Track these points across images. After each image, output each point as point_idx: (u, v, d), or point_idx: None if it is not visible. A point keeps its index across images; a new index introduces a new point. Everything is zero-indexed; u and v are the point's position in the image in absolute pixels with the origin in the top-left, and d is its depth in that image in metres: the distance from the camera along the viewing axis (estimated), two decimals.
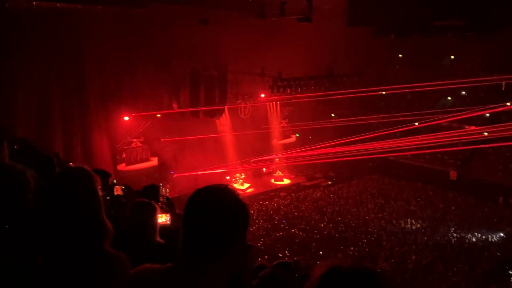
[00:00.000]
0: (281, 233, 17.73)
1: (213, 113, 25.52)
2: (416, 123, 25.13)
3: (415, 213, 20.51)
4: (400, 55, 30.44)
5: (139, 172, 23.06)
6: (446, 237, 17.49)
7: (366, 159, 26.21)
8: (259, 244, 15.71)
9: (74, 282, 1.71)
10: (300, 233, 17.68)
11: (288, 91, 24.61)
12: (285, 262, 3.04)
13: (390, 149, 24.72)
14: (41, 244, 1.78)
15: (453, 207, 21.45)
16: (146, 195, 4.45)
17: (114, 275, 1.72)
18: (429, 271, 14.22)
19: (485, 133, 24.08)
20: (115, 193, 4.94)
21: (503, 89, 23.41)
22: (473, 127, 24.87)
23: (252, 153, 26.97)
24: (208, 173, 24.11)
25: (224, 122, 27.11)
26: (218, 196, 1.43)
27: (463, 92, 27.34)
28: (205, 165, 24.30)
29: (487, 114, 24.86)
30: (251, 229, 17.76)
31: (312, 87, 25.36)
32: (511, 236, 17.68)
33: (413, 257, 15.16)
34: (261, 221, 19.41)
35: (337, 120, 29.86)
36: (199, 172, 23.77)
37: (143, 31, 19.31)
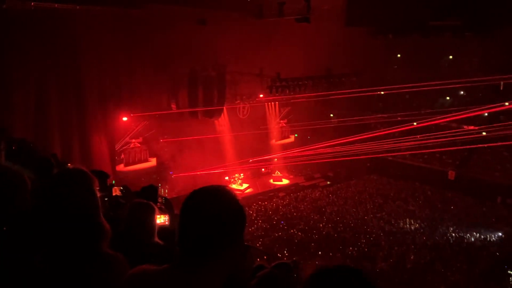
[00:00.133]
0: (280, 233, 17.72)
1: (211, 114, 25.51)
2: (415, 123, 25.17)
3: (414, 213, 20.56)
4: (399, 55, 30.49)
5: (137, 173, 23.06)
6: (445, 237, 17.53)
7: (365, 159, 26.29)
8: (258, 245, 15.71)
9: (72, 283, 1.70)
10: (299, 233, 17.67)
11: (287, 91, 24.63)
12: (284, 263, 3.04)
13: (389, 149, 24.76)
14: (38, 245, 1.78)
15: (451, 207, 21.52)
16: (145, 195, 4.45)
17: (112, 276, 1.71)
18: (428, 271, 14.25)
19: (484, 133, 24.15)
20: (114, 194, 4.93)
21: (501, 88, 23.45)
22: (471, 127, 24.92)
23: (251, 153, 26.97)
24: (207, 174, 24.11)
25: (223, 122, 27.11)
26: (214, 198, 1.42)
27: (462, 92, 27.41)
28: (203, 166, 24.28)
29: (486, 114, 24.93)
30: (250, 229, 17.78)
31: (311, 87, 25.39)
32: (509, 236, 17.74)
33: (411, 257, 15.19)
34: (260, 221, 19.41)
35: (335, 120, 29.90)
36: (198, 173, 23.75)
37: (141, 31, 19.28)
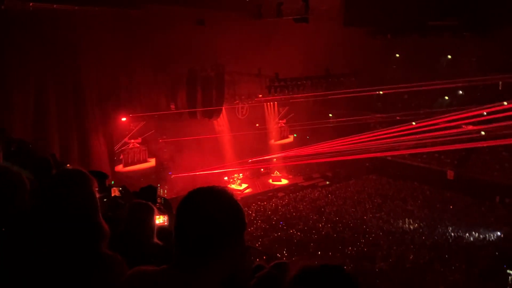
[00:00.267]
0: (279, 234, 17.72)
1: (210, 114, 25.50)
2: (414, 123, 25.18)
3: (413, 213, 20.56)
4: (398, 55, 30.49)
5: (136, 173, 23.03)
6: (444, 237, 17.55)
7: (364, 159, 26.27)
8: (257, 245, 15.72)
9: (70, 284, 1.71)
10: (298, 233, 17.68)
11: (286, 92, 24.63)
12: (283, 263, 3.04)
13: (388, 149, 24.77)
14: (37, 246, 1.78)
15: (450, 207, 21.52)
16: (144, 196, 4.45)
17: (111, 277, 1.71)
18: (427, 270, 14.26)
19: (482, 133, 24.16)
20: (112, 195, 4.93)
21: (500, 88, 23.47)
22: (470, 127, 24.93)
23: (250, 153, 26.97)
24: (206, 174, 24.10)
25: (222, 122, 27.11)
26: (211, 198, 1.42)
27: (460, 92, 27.42)
28: (203, 166, 24.27)
29: (484, 113, 24.94)
30: (249, 229, 17.77)
31: (310, 87, 25.39)
32: (508, 235, 17.75)
33: (410, 257, 15.21)
34: (259, 221, 19.42)
35: (334, 120, 29.91)
36: (197, 173, 23.75)
37: (140, 32, 19.28)
